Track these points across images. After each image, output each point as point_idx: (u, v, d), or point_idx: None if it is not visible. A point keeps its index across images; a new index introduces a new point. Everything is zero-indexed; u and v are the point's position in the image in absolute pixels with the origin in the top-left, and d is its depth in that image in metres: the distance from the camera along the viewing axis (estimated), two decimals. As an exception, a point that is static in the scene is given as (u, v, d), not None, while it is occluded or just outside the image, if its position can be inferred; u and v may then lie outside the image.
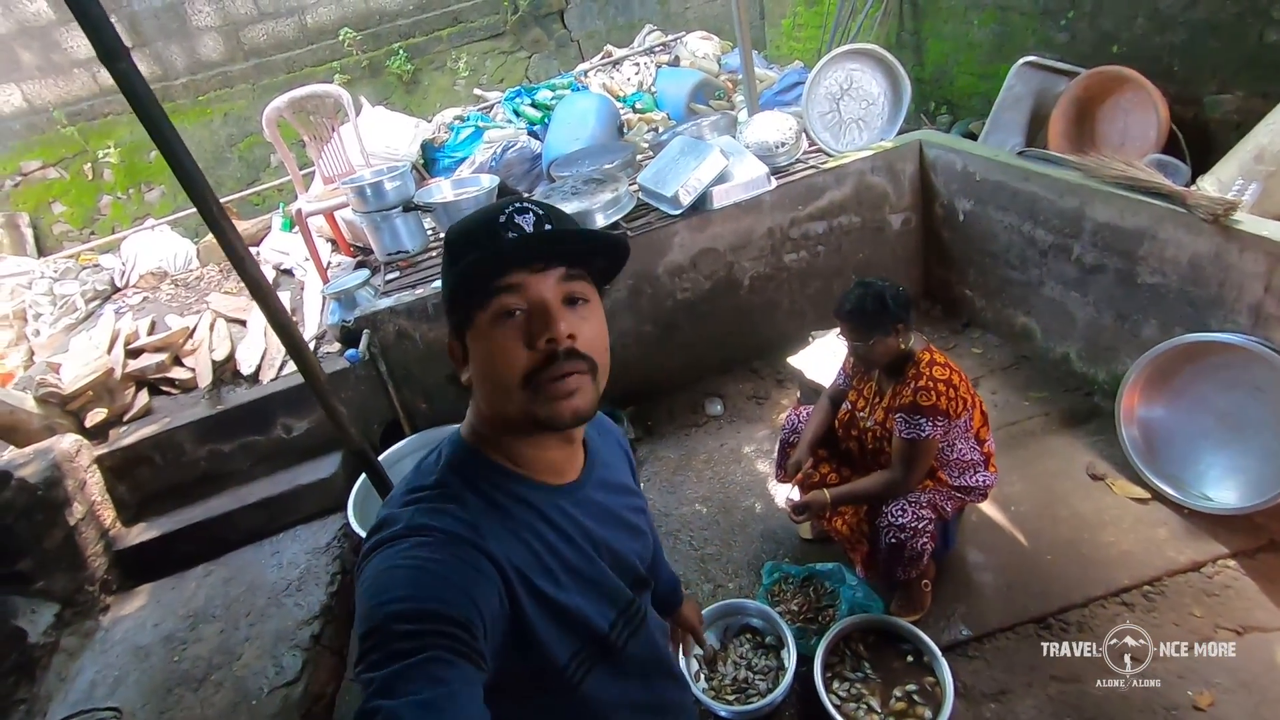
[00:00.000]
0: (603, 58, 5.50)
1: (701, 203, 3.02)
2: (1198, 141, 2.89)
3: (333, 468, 2.98)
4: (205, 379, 3.24)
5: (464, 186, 3.45)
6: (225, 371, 3.34)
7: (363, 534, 2.29)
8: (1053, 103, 3.25)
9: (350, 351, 2.84)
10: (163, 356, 3.37)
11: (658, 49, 5.40)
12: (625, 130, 4.37)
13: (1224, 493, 2.16)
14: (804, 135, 3.31)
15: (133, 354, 3.41)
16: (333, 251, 4.18)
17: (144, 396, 3.25)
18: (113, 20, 1.36)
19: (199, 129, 6.02)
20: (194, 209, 1.50)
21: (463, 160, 4.28)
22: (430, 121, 4.75)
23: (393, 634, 0.64)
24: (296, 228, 3.82)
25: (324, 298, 3.38)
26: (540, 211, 0.78)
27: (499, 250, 0.76)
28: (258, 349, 3.37)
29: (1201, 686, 1.78)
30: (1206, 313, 2.20)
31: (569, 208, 2.83)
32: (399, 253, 3.30)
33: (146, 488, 3.05)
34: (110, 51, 1.33)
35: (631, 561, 0.93)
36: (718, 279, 3.17)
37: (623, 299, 3.07)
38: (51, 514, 2.63)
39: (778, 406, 3.12)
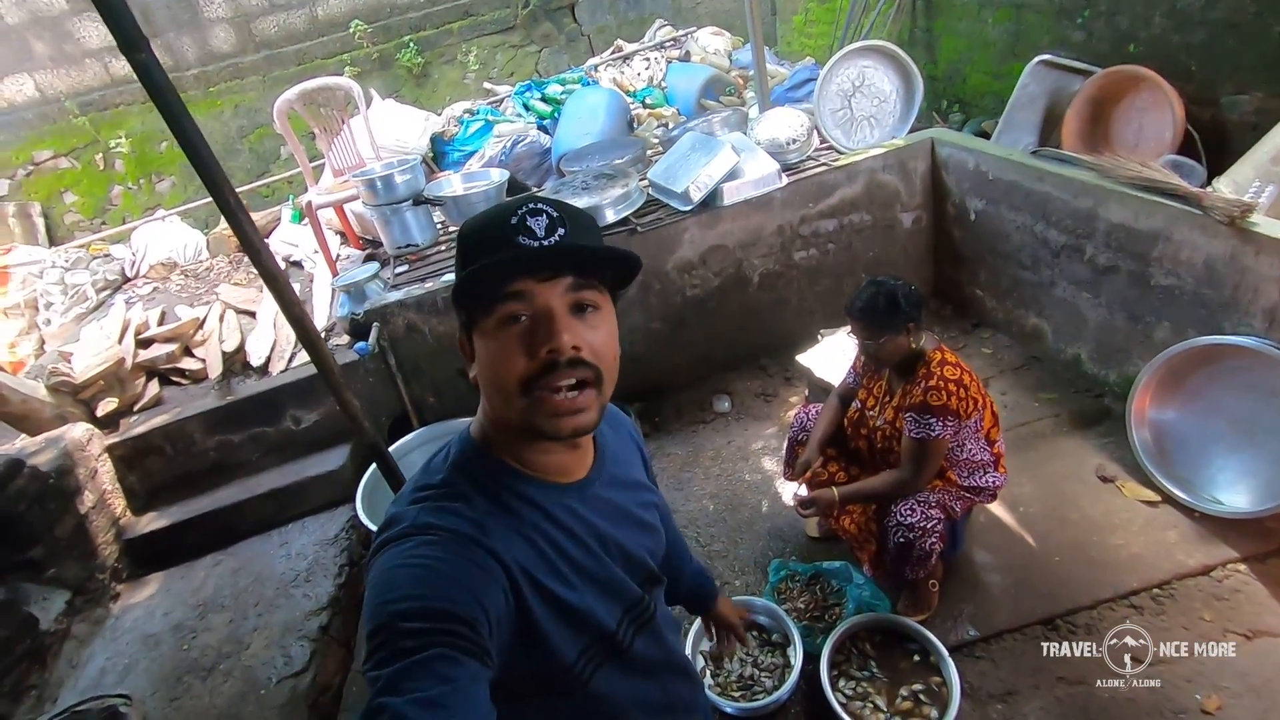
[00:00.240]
0: (613, 52, 5.50)
1: (712, 199, 3.01)
2: (1214, 142, 2.86)
3: (341, 460, 2.99)
4: (215, 370, 3.26)
5: (473, 180, 3.45)
6: (235, 362, 3.36)
7: (372, 527, 2.30)
8: (1067, 102, 3.22)
9: (359, 344, 2.85)
10: (173, 347, 3.39)
11: (668, 44, 5.39)
12: (635, 125, 4.36)
13: (1235, 496, 2.15)
14: (815, 132, 3.30)
15: (143, 344, 3.43)
16: (342, 244, 4.18)
17: (154, 386, 3.27)
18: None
19: (210, 120, 6.04)
20: (204, 200, 1.51)
21: (472, 154, 4.29)
22: (440, 115, 4.75)
23: (399, 632, 0.64)
24: (306, 220, 3.83)
25: (333, 290, 3.38)
26: (554, 213, 0.77)
27: (506, 258, 0.75)
28: (267, 340, 3.38)
29: (1210, 690, 1.77)
30: (1220, 315, 2.18)
31: (579, 203, 2.82)
32: (408, 246, 3.30)
33: (157, 477, 3.07)
34: (130, 42, 1.33)
35: (642, 558, 0.93)
36: (727, 276, 3.17)
37: (632, 295, 3.07)
38: (63, 502, 2.65)
39: (786, 404, 3.12)
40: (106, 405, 3.10)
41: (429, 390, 3.04)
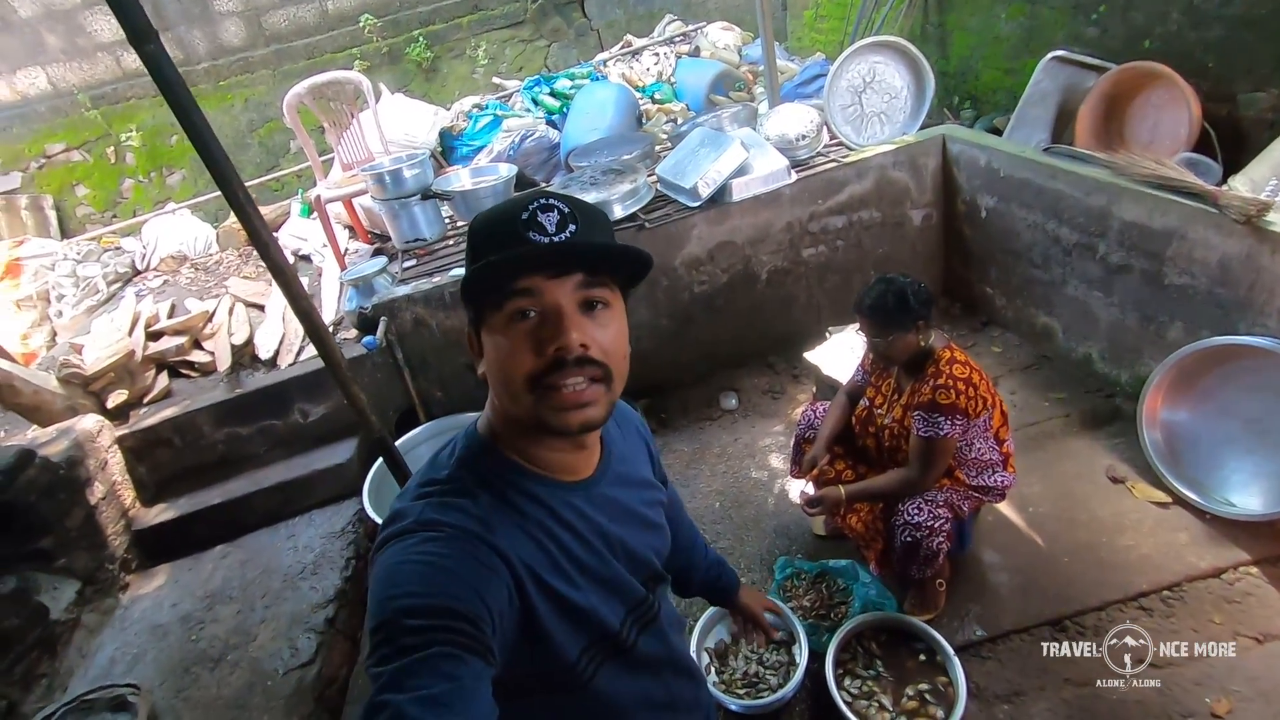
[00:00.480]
0: (622, 47, 5.48)
1: (720, 195, 3.00)
2: (1230, 140, 2.82)
3: (348, 453, 3.00)
4: (224, 363, 3.27)
5: (482, 175, 3.45)
6: (244, 355, 3.37)
7: (378, 520, 2.31)
8: (1081, 99, 3.18)
9: (367, 338, 2.86)
10: (182, 340, 3.40)
11: (678, 39, 5.36)
12: (644, 121, 4.34)
13: (1248, 498, 2.13)
14: (825, 128, 3.28)
15: (153, 336, 3.45)
16: (350, 238, 4.19)
17: (164, 379, 3.29)
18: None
19: (220, 114, 6.06)
20: (214, 193, 1.52)
21: (481, 149, 4.28)
22: (449, 109, 4.75)
23: (402, 629, 0.64)
24: (315, 214, 3.84)
25: (342, 284, 3.39)
26: (565, 209, 0.76)
27: (515, 254, 0.74)
28: (276, 334, 3.40)
29: (1219, 694, 1.76)
30: (1235, 315, 2.16)
31: (587, 198, 2.80)
32: (417, 240, 3.31)
33: (166, 469, 3.09)
34: (139, 33, 1.33)
35: (646, 557, 0.93)
36: (735, 272, 3.15)
37: (639, 291, 3.02)
38: (73, 493, 2.67)
39: (793, 402, 3.10)
40: (117, 397, 3.12)
41: (436, 384, 3.05)
